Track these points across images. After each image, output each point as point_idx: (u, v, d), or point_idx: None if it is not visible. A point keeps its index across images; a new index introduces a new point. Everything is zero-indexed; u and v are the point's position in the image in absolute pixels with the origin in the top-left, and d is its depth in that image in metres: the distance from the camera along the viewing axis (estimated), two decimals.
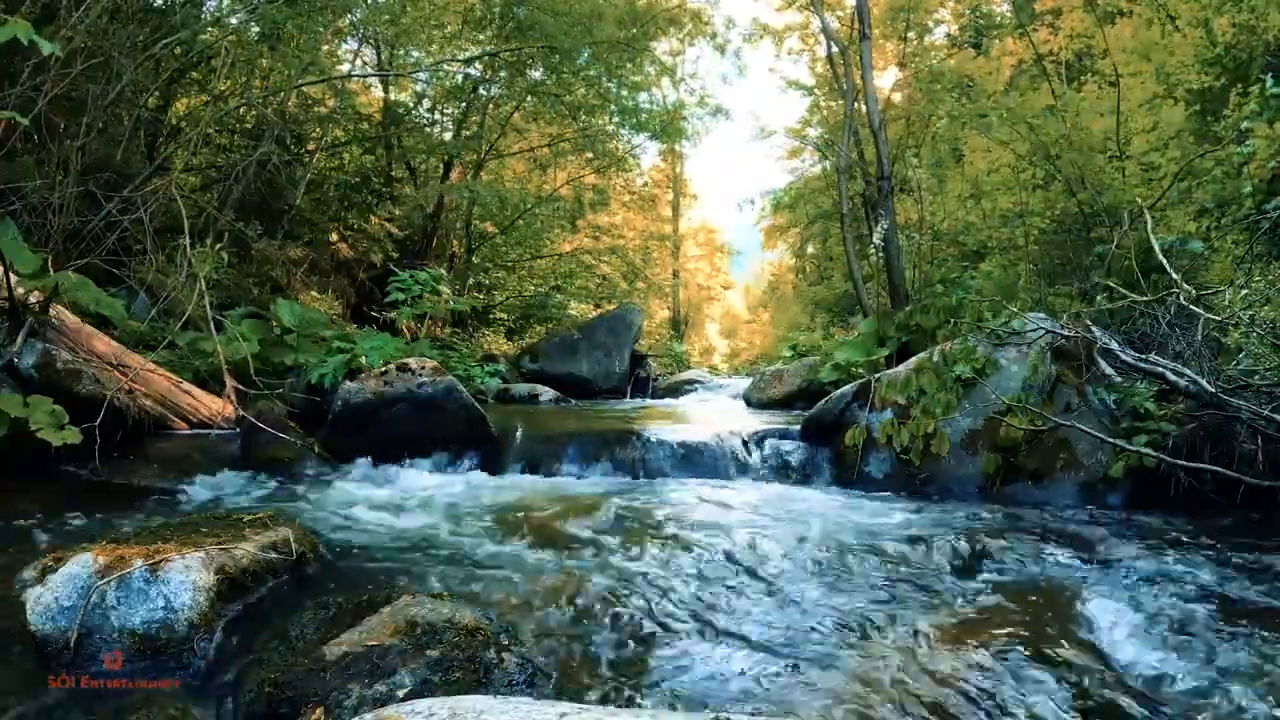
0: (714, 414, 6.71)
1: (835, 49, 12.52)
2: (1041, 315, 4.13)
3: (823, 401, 4.15)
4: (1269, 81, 4.29)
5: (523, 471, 3.90)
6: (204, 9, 6.69)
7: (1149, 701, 1.53)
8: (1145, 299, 3.81)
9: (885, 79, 17.25)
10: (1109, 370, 3.53)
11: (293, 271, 8.61)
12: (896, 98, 17.21)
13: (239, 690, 1.50)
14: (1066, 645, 1.74)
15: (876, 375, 3.98)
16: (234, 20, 6.56)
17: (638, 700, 1.52)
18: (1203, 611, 1.94)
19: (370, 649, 1.50)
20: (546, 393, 8.36)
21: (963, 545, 2.51)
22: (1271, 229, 4.21)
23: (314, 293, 8.96)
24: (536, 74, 9.85)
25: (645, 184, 14.99)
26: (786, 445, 3.99)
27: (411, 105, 10.49)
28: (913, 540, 2.59)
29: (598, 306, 13.68)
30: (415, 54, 10.21)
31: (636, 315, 10.81)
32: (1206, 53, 6.61)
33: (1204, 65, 6.66)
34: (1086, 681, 1.58)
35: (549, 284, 12.76)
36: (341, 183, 9.73)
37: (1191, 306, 3.46)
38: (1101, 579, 2.21)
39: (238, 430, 3.90)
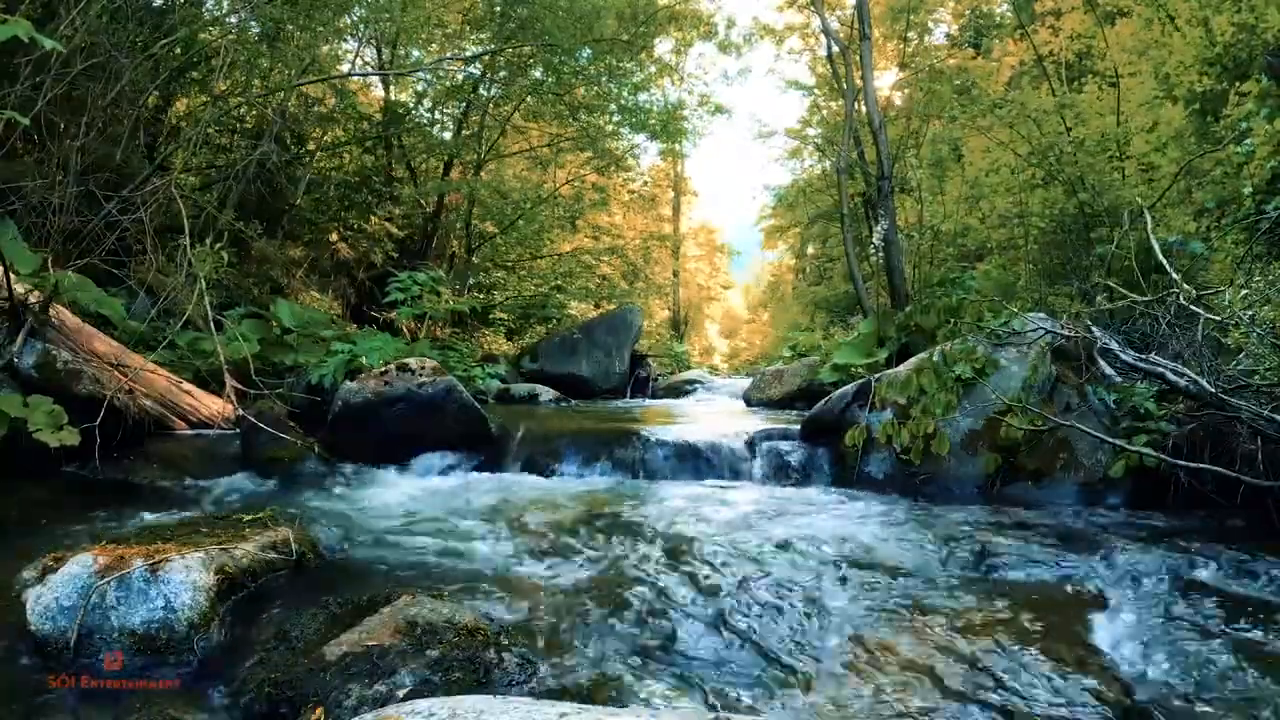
0: (714, 414, 6.71)
1: (835, 49, 12.53)
2: (1041, 315, 4.13)
3: (823, 402, 4.14)
4: (1265, 81, 4.29)
5: (522, 471, 3.90)
6: (204, 8, 6.69)
7: (1149, 701, 1.53)
8: (1145, 299, 3.81)
9: (885, 79, 17.28)
10: (1109, 370, 3.53)
11: (293, 271, 8.61)
12: (897, 98, 17.24)
13: (239, 690, 1.50)
14: (1066, 645, 1.74)
15: (876, 375, 3.97)
16: (234, 20, 6.56)
17: (638, 700, 1.52)
18: (1203, 612, 1.94)
19: (370, 649, 1.50)
20: (546, 393, 8.36)
21: (963, 545, 2.51)
22: (1271, 229, 4.20)
23: (314, 293, 8.95)
24: (537, 73, 9.85)
25: (645, 184, 14.96)
26: (786, 445, 3.99)
27: (411, 105, 10.48)
28: (912, 540, 2.59)
29: (598, 306, 13.67)
30: (415, 53, 10.20)
31: (636, 315, 10.80)
32: (1206, 52, 6.60)
33: (1204, 65, 6.66)
34: (1086, 681, 1.58)
35: (549, 284, 12.74)
36: (341, 183, 9.72)
37: (1191, 306, 3.46)
38: (1102, 579, 2.21)
39: (238, 430, 3.90)
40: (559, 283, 12.79)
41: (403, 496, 3.30)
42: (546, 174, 12.54)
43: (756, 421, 5.28)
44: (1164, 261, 3.85)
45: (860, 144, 12.65)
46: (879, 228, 8.45)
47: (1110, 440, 3.13)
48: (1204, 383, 2.99)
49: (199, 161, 7.37)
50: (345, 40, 8.89)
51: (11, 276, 3.40)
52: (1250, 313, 3.20)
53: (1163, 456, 2.92)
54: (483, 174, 10.73)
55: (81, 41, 4.36)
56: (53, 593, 1.65)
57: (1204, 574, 2.22)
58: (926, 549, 2.50)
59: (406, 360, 4.21)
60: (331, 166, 9.81)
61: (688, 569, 2.28)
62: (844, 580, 2.20)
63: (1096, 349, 3.63)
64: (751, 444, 4.01)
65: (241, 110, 7.61)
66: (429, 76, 9.96)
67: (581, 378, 9.54)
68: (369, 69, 9.75)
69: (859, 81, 10.77)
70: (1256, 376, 3.01)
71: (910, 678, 1.60)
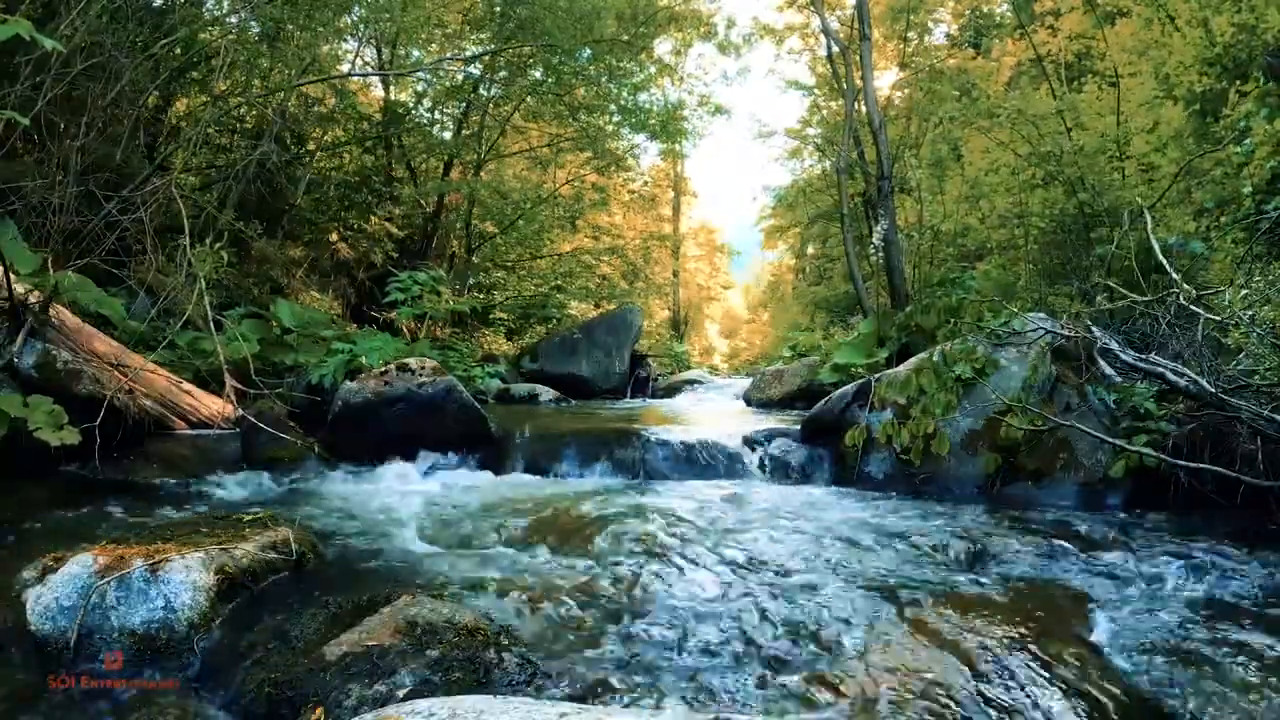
0: (714, 414, 6.72)
1: (835, 49, 12.54)
2: (1041, 315, 4.13)
3: (823, 402, 4.14)
4: (1265, 81, 4.30)
5: (523, 471, 3.90)
6: (204, 8, 6.69)
7: (1146, 702, 1.53)
8: (1145, 299, 3.81)
9: (885, 79, 17.29)
10: (1109, 370, 3.53)
11: (293, 271, 8.61)
12: (897, 98, 17.25)
13: (239, 690, 1.50)
14: (1065, 645, 1.74)
15: (876, 375, 3.98)
16: (234, 20, 6.56)
17: (638, 699, 1.52)
18: (1202, 612, 1.94)
19: (370, 649, 1.50)
20: (546, 393, 8.36)
21: (962, 545, 2.51)
22: (1271, 229, 4.21)
23: (314, 293, 8.95)
24: (537, 73, 9.86)
25: (645, 183, 14.97)
26: (786, 445, 3.99)
27: (411, 105, 10.49)
28: (912, 540, 2.59)
29: (598, 306, 13.67)
30: (415, 53, 10.21)
31: (636, 315, 10.80)
32: (1206, 52, 6.61)
33: (1204, 65, 6.67)
34: (1085, 681, 1.58)
35: (549, 284, 12.75)
36: (341, 183, 9.72)
37: (1191, 306, 3.46)
38: (1101, 579, 2.21)
39: (238, 430, 3.90)
40: (559, 283, 12.80)
41: (403, 496, 3.30)
42: (546, 174, 12.54)
43: (756, 421, 5.28)
44: (1164, 261, 3.85)
45: (860, 144, 12.65)
46: (879, 228, 8.46)
47: (1110, 440, 3.13)
48: (1204, 383, 2.99)
49: (199, 161, 7.37)
50: (345, 40, 8.90)
51: (11, 276, 3.40)
52: (1250, 313, 3.20)
53: (1163, 456, 2.92)
54: (483, 174, 10.73)
55: (81, 41, 4.36)
56: (53, 593, 1.65)
57: (1204, 574, 2.22)
58: (926, 549, 2.49)
59: (406, 360, 4.21)
60: (331, 166, 9.81)
61: (688, 569, 2.28)
62: (844, 580, 2.20)
63: (1096, 349, 3.63)
64: (752, 444, 4.01)
65: (241, 110, 7.61)
66: (429, 76, 9.96)
67: (581, 378, 9.53)
68: (369, 69, 9.75)
69: (859, 81, 10.78)
70: (1256, 376, 3.01)
71: (909, 676, 1.60)
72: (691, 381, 10.68)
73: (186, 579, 1.71)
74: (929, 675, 1.60)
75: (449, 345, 7.46)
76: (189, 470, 3.49)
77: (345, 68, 8.95)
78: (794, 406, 6.92)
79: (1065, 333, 3.74)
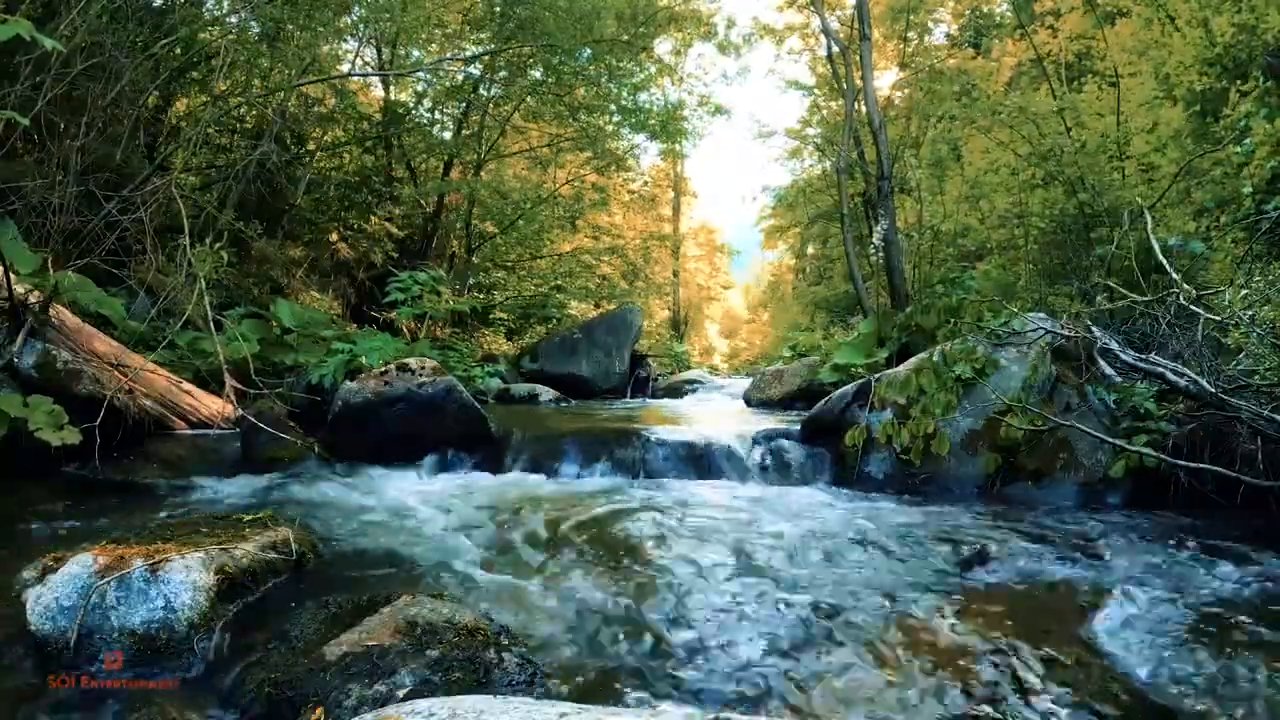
0: (714, 414, 6.72)
1: (835, 49, 12.54)
2: (1041, 315, 4.13)
3: (823, 402, 4.14)
4: (1264, 81, 4.30)
5: (522, 472, 3.90)
6: (204, 8, 6.69)
7: (1147, 702, 1.53)
8: (1145, 299, 3.81)
9: (885, 79, 17.30)
10: (1109, 370, 3.53)
11: (293, 271, 8.61)
12: (897, 98, 17.25)
13: (239, 690, 1.50)
14: (1065, 645, 1.74)
15: (876, 375, 3.98)
16: (234, 20, 6.56)
17: (638, 699, 1.52)
18: (1202, 612, 1.93)
19: (370, 649, 1.50)
20: (546, 393, 8.36)
21: (962, 545, 2.51)
22: (1271, 229, 4.21)
23: (314, 293, 8.96)
24: (537, 73, 9.86)
25: (645, 184, 14.96)
26: (786, 445, 3.98)
27: (412, 105, 10.49)
28: (912, 540, 2.59)
29: (598, 306, 13.67)
30: (415, 53, 10.21)
31: (636, 315, 10.80)
32: (1206, 52, 6.61)
33: (1204, 65, 6.67)
34: (1085, 681, 1.58)
35: (549, 284, 12.74)
36: (341, 183, 9.72)
37: (1191, 306, 3.46)
38: (1101, 579, 2.21)
39: (238, 430, 3.90)
40: (559, 283, 12.79)
41: (403, 497, 3.30)
42: (546, 174, 12.54)
43: (756, 421, 5.28)
44: (1164, 261, 3.85)
45: (860, 144, 12.65)
46: (879, 228, 8.46)
47: (1110, 440, 3.13)
48: (1204, 383, 2.99)
49: (199, 161, 7.37)
50: (345, 40, 8.90)
51: (11, 276, 3.40)
52: (1250, 313, 3.20)
53: (1163, 456, 2.92)
54: (483, 174, 10.73)
55: (81, 41, 4.36)
56: (53, 593, 1.65)
57: (1203, 573, 2.22)
58: (926, 549, 2.50)
59: (406, 360, 4.21)
60: (331, 166, 9.81)
61: (688, 569, 2.28)
62: (843, 580, 2.20)
63: (1096, 349, 3.63)
64: (752, 444, 4.00)
65: (241, 110, 7.61)
66: (429, 76, 9.96)
67: (581, 378, 9.54)
68: (369, 69, 9.75)
69: (859, 81, 10.78)
70: (1256, 376, 3.01)
71: (909, 677, 1.60)
72: (691, 381, 10.68)
73: (186, 579, 1.71)
74: (929, 674, 1.60)
75: (449, 345, 7.46)
76: (189, 470, 3.49)
77: (345, 68, 8.95)
78: (794, 406, 6.92)
79: (1065, 333, 3.74)
